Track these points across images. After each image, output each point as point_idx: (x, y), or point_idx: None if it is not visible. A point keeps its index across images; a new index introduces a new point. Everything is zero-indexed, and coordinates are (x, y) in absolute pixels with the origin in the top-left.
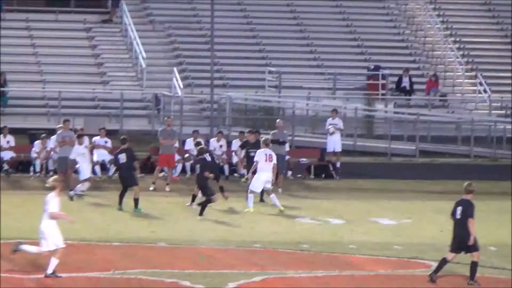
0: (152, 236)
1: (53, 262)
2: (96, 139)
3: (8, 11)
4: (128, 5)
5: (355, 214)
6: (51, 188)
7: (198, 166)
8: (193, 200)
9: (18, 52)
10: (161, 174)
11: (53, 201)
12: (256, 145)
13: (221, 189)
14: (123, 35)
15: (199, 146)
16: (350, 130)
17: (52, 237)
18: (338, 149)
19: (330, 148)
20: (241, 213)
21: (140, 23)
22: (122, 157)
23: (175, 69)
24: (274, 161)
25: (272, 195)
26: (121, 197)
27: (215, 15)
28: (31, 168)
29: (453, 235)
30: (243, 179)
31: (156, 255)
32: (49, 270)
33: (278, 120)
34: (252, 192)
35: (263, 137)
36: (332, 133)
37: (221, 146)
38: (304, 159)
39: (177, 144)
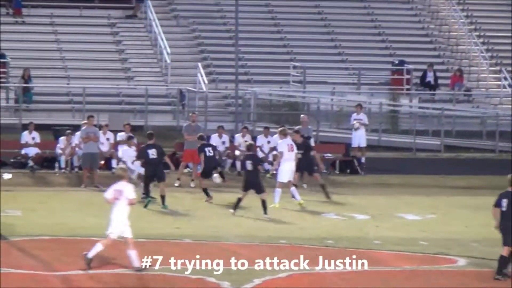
0: (177, 232)
1: (134, 254)
2: (121, 134)
3: (32, 7)
4: (153, 0)
5: (380, 210)
6: (120, 177)
7: (249, 162)
8: (237, 205)
9: (43, 48)
10: (186, 170)
11: (128, 188)
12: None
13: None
14: (148, 30)
15: (248, 142)
16: (375, 125)
17: (127, 226)
18: (363, 144)
19: (355, 143)
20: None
21: (164, 18)
22: (152, 152)
23: (199, 64)
24: (295, 150)
25: (293, 188)
26: (147, 189)
27: (240, 10)
28: (56, 165)
29: (501, 228)
30: (268, 175)
31: (181, 251)
32: (137, 264)
33: (302, 115)
34: (281, 183)
35: (280, 128)
36: (357, 129)
37: (246, 141)
38: (329, 155)
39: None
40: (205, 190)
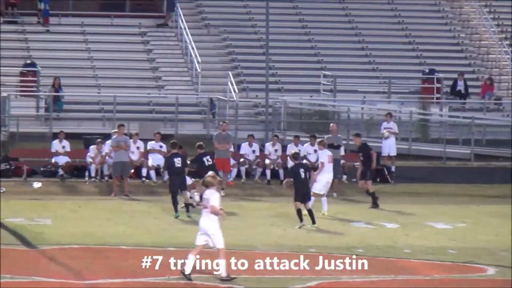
0: None
1: (223, 263)
2: (151, 143)
3: (63, 16)
4: (183, 9)
5: (410, 218)
6: (208, 185)
7: (302, 170)
8: (300, 216)
9: (73, 57)
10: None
11: (214, 196)
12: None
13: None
14: (178, 39)
15: (293, 151)
16: (405, 134)
17: (217, 235)
18: (393, 153)
19: (385, 152)
20: (295, 217)
21: (195, 27)
22: (178, 161)
23: (230, 73)
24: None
25: (324, 198)
26: (176, 203)
27: (270, 18)
28: (86, 173)
29: None
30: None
31: (211, 260)
32: (224, 273)
33: (331, 124)
34: (316, 194)
35: (319, 139)
36: (387, 137)
37: (276, 150)
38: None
39: (232, 149)
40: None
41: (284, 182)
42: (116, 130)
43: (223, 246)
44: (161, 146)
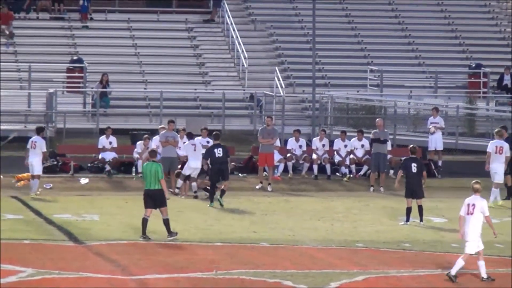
0: (253, 236)
1: (482, 265)
2: (198, 139)
3: (109, 12)
4: (230, 5)
5: (457, 213)
6: (474, 191)
7: (414, 165)
8: (421, 214)
9: (120, 53)
10: (265, 174)
11: (482, 203)
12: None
13: None
14: (225, 35)
15: (411, 146)
16: (451, 128)
17: (475, 240)
18: (440, 147)
19: (431, 147)
20: (343, 212)
21: (241, 22)
22: (218, 152)
23: (276, 68)
24: (506, 153)
25: (497, 190)
26: (212, 194)
27: (317, 13)
28: (133, 169)
29: None
30: (345, 178)
31: (258, 255)
32: (485, 274)
33: (377, 119)
34: (497, 184)
35: (497, 129)
36: (433, 133)
37: (323, 145)
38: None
39: (278, 143)
40: (206, 189)
41: (396, 178)
42: (163, 126)
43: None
44: (208, 142)
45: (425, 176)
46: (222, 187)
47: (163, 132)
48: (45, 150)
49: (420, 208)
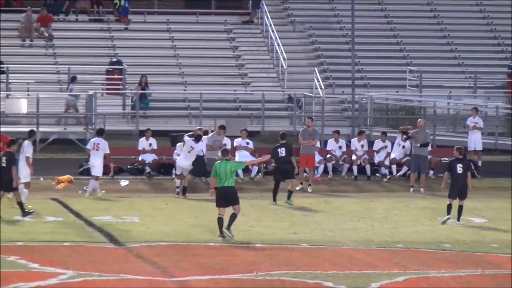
0: (294, 237)
1: None
2: (238, 140)
3: (148, 14)
4: (269, 6)
5: (497, 213)
6: None
7: (459, 166)
8: (460, 214)
9: (159, 55)
10: (305, 175)
11: None
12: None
13: None
14: (264, 36)
15: (458, 146)
16: (491, 128)
17: None
18: (479, 147)
19: (470, 147)
20: (383, 213)
21: (280, 23)
22: (282, 151)
23: (316, 69)
24: None
25: None
26: (275, 192)
27: (356, 14)
28: (173, 171)
29: None
30: (385, 179)
31: (299, 256)
32: None
33: (419, 120)
34: None
35: None
36: (472, 128)
37: (362, 146)
38: (445, 158)
39: (318, 144)
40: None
41: (443, 179)
42: (201, 127)
43: None
44: (247, 143)
45: (469, 177)
46: (289, 187)
47: (211, 134)
48: (108, 151)
49: (460, 208)
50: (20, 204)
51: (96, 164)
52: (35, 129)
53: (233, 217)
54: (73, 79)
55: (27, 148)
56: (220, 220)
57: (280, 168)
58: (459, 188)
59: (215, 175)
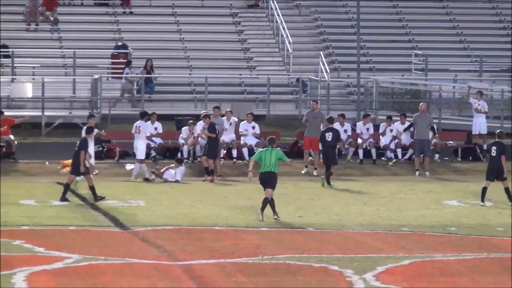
0: (300, 221)
1: None
2: (244, 123)
3: None
4: None
5: (503, 196)
6: None
7: (494, 148)
8: (483, 196)
9: (165, 38)
10: (310, 159)
11: None
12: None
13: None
14: (269, 19)
15: (498, 130)
16: (496, 112)
17: None
18: (484, 131)
19: (475, 131)
20: (389, 196)
21: (286, 7)
22: (328, 135)
23: (321, 53)
24: None
25: None
26: (328, 176)
27: None
28: (179, 155)
29: None
30: (390, 163)
31: (304, 240)
32: None
33: (421, 104)
34: None
35: None
36: (478, 109)
37: (367, 129)
38: (451, 142)
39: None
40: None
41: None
42: (207, 112)
43: None
44: (253, 127)
45: (503, 160)
46: (326, 174)
47: (200, 122)
48: (149, 134)
49: (506, 190)
50: (92, 188)
51: (139, 147)
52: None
53: (265, 202)
54: (128, 64)
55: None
56: (271, 202)
57: (324, 152)
58: (494, 170)
59: (259, 160)
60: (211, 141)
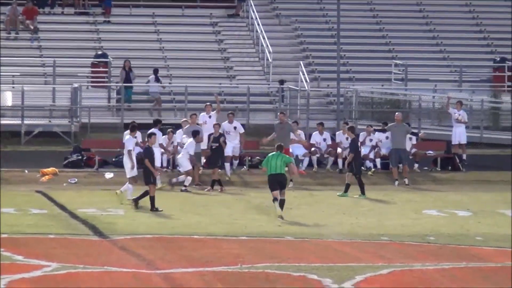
0: (278, 230)
1: None
2: (225, 124)
3: (134, 7)
4: (255, 0)
5: (482, 206)
6: None
7: None
8: None
9: (145, 48)
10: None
11: None
12: None
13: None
14: (250, 29)
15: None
16: (476, 122)
17: None
18: (463, 141)
19: (455, 140)
20: (367, 206)
21: (266, 17)
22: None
23: (301, 62)
24: None
25: None
26: (362, 185)
27: (341, 8)
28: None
29: None
30: (369, 172)
31: (283, 249)
32: None
33: (397, 113)
34: None
35: None
36: (459, 120)
37: (347, 138)
38: (430, 152)
39: (303, 137)
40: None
41: None
42: (186, 119)
43: None
44: (235, 128)
45: None
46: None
47: (187, 126)
48: (161, 142)
49: None
50: (151, 198)
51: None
52: (136, 124)
53: (281, 202)
54: (155, 71)
55: (128, 142)
56: (275, 200)
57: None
58: None
59: (265, 165)
60: (213, 151)
